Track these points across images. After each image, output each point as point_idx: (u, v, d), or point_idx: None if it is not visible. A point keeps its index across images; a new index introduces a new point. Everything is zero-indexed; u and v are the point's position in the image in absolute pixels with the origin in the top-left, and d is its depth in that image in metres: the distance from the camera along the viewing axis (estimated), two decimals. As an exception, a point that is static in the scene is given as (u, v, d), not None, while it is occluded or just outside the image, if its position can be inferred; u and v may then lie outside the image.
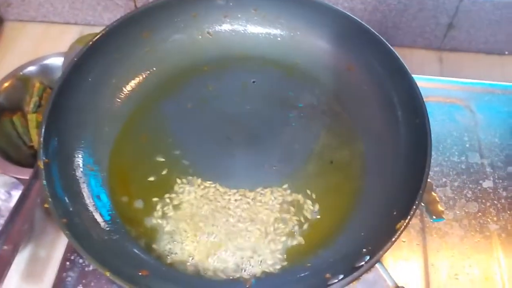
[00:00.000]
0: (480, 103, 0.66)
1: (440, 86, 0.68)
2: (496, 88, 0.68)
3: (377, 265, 0.43)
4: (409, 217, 0.44)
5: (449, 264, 0.54)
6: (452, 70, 0.77)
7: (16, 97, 0.65)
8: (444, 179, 0.60)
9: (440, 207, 0.57)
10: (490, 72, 0.76)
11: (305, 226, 0.51)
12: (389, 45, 0.55)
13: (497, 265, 0.54)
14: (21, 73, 0.66)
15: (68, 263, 0.52)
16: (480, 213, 0.57)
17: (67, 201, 0.47)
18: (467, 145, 0.63)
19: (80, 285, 0.50)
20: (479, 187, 0.59)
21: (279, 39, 0.63)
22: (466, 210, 0.58)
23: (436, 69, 0.78)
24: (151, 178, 0.54)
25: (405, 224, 0.44)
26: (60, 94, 0.50)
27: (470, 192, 0.59)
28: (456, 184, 0.59)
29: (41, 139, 0.48)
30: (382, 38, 0.56)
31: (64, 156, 0.51)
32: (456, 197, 0.58)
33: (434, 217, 0.57)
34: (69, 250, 0.52)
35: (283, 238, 0.51)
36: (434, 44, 0.80)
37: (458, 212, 0.57)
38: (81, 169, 0.52)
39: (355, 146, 0.57)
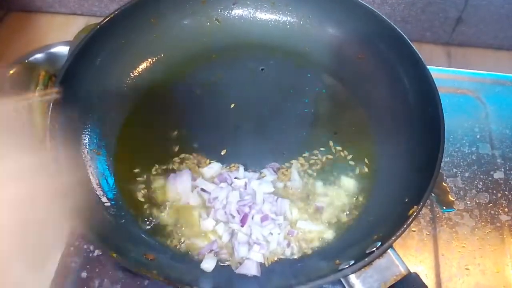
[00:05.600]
0: (491, 94, 0.66)
1: (451, 77, 0.68)
2: (507, 80, 0.68)
3: (389, 251, 0.42)
4: (421, 203, 0.43)
5: (459, 255, 0.53)
6: (460, 65, 0.76)
7: (22, 85, 0.65)
8: (454, 170, 0.59)
9: (451, 197, 0.57)
10: (499, 67, 0.75)
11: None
12: (401, 32, 0.55)
13: (508, 257, 0.53)
14: (26, 60, 0.65)
15: (72, 248, 0.51)
16: (491, 204, 0.56)
17: (73, 183, 0.47)
18: (478, 136, 0.62)
19: (85, 271, 0.49)
20: (490, 178, 0.58)
21: (288, 26, 0.63)
22: (477, 201, 0.57)
23: (444, 63, 0.77)
24: (157, 165, 0.53)
25: (418, 210, 0.43)
26: (67, 75, 0.50)
27: (481, 183, 0.58)
28: (466, 174, 0.59)
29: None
30: (394, 25, 0.55)
31: (70, 139, 0.50)
32: (467, 188, 0.58)
33: (444, 207, 0.56)
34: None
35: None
36: (443, 39, 0.79)
37: (469, 202, 0.56)
38: (88, 153, 0.52)
39: (366, 133, 0.56)
